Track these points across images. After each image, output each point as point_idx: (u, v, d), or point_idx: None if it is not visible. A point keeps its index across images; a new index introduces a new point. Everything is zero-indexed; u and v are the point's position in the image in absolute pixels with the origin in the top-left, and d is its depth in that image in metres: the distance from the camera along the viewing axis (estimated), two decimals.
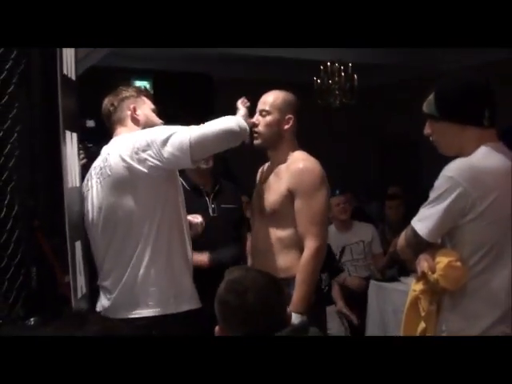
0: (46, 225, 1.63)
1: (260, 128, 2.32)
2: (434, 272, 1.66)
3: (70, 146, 1.72)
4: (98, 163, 2.07)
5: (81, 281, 1.73)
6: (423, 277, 1.70)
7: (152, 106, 2.21)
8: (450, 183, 1.64)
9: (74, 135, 1.77)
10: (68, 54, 1.68)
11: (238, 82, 8.54)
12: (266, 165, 2.48)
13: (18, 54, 1.52)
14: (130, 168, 1.93)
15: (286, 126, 2.32)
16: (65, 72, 1.64)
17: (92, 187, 2.04)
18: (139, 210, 1.96)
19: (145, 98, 2.20)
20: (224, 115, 2.08)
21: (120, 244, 1.97)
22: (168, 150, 1.91)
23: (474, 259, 1.65)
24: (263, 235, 2.34)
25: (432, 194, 1.69)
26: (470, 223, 1.64)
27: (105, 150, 2.08)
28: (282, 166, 2.32)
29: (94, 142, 2.44)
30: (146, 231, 1.95)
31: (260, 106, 2.34)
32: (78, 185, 1.86)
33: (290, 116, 2.33)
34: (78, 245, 1.76)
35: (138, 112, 2.13)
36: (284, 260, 2.28)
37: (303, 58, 7.48)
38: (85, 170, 2.12)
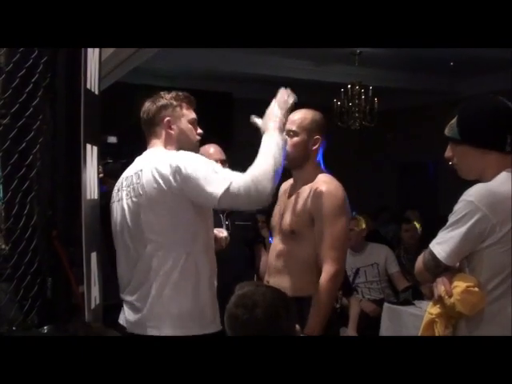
0: (63, 235, 1.65)
1: (287, 148, 2.30)
2: (450, 296, 1.65)
3: (91, 158, 1.75)
4: (129, 173, 2.06)
5: (95, 291, 1.75)
6: (440, 300, 1.69)
7: (191, 116, 2.14)
8: (469, 207, 1.64)
9: (95, 148, 1.80)
10: (92, 69, 1.72)
11: (258, 101, 8.64)
12: (289, 182, 2.47)
13: (44, 68, 1.56)
14: (162, 192, 1.92)
15: (314, 147, 2.32)
16: (88, 86, 1.68)
17: (122, 199, 2.04)
18: (169, 232, 1.96)
19: (185, 107, 2.13)
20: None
21: (149, 261, 1.97)
22: (200, 190, 1.89)
23: (491, 285, 1.64)
24: (280, 253, 2.34)
25: (451, 218, 1.69)
26: (488, 248, 1.64)
27: (138, 163, 2.06)
28: (306, 187, 2.31)
29: (114, 157, 2.46)
30: (175, 252, 1.95)
31: (287, 125, 2.27)
32: (96, 197, 1.88)
33: (317, 137, 2.32)
34: (94, 256, 1.78)
35: (173, 127, 2.09)
36: (298, 280, 2.28)
37: (323, 80, 7.54)
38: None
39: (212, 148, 2.62)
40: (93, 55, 1.72)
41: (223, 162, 2.63)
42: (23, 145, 1.54)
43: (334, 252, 2.22)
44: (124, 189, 2.05)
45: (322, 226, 2.23)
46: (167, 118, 2.09)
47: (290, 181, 2.47)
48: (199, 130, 2.16)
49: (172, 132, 2.09)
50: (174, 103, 2.11)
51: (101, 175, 2.27)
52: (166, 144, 2.09)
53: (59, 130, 1.63)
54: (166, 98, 2.12)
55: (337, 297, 2.31)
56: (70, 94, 1.63)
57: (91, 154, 1.76)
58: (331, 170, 2.40)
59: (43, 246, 1.59)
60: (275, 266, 2.37)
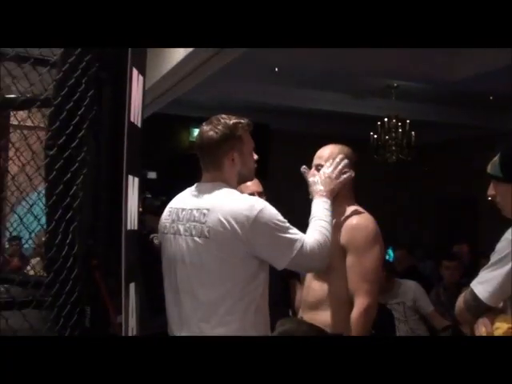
0: (103, 265, 1.67)
1: None
2: None
3: (132, 190, 1.78)
4: (187, 206, 2.02)
5: (132, 322, 1.75)
6: None
7: (251, 144, 2.08)
8: None
9: (136, 180, 1.83)
10: (136, 102, 1.76)
11: (295, 133, 8.70)
12: None
13: (91, 101, 1.61)
14: (232, 240, 1.89)
15: None
16: (132, 119, 1.72)
17: (179, 234, 2.00)
18: (231, 278, 1.92)
19: (246, 134, 2.05)
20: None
21: (208, 306, 1.93)
22: (272, 249, 1.91)
23: None
24: (314, 288, 2.32)
25: (493, 257, 1.66)
26: None
27: (200, 198, 2.00)
28: (337, 221, 2.30)
29: (153, 192, 2.47)
30: (236, 298, 1.92)
31: (316, 160, 2.34)
32: (136, 228, 1.91)
33: (345, 170, 2.33)
34: (132, 286, 1.80)
35: (236, 161, 2.02)
36: (333, 315, 2.24)
37: (360, 114, 7.55)
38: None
39: None
40: (137, 89, 1.77)
41: (260, 194, 2.63)
42: (68, 176, 1.58)
43: (365, 285, 2.19)
44: (182, 222, 2.00)
45: (354, 258, 2.21)
46: (232, 151, 2.01)
47: None
48: (255, 156, 2.12)
49: (235, 165, 2.03)
50: (238, 133, 2.01)
51: (140, 209, 2.28)
52: (228, 177, 2.02)
53: (102, 162, 1.67)
54: (232, 124, 2.01)
55: (370, 332, 2.26)
56: (114, 126, 1.66)
57: (132, 185, 1.79)
58: (367, 203, 2.38)
59: (83, 276, 1.61)
60: (309, 302, 2.35)
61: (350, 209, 2.32)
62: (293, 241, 1.92)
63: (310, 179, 2.24)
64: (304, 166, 2.32)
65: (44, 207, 1.67)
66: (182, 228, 2.00)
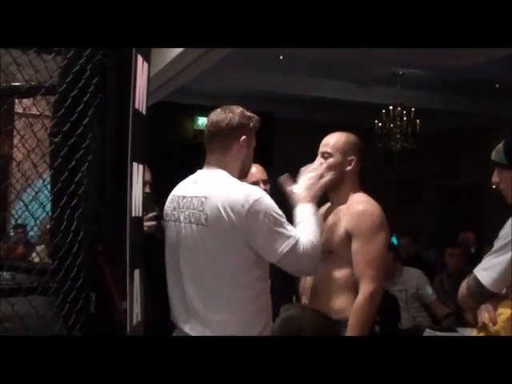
0: (108, 251, 1.67)
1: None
2: (495, 324, 1.62)
3: (136, 176, 1.78)
4: (187, 194, 2.04)
5: (137, 308, 1.77)
6: (484, 328, 1.66)
7: (255, 143, 2.13)
8: None
9: (141, 167, 1.83)
10: (141, 90, 1.76)
11: (298, 122, 8.67)
12: (326, 205, 2.48)
13: (95, 88, 1.61)
14: (229, 228, 1.90)
15: (348, 168, 2.33)
16: (136, 106, 1.72)
17: (180, 221, 2.02)
18: (231, 264, 1.95)
19: (255, 132, 2.12)
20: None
21: (211, 292, 1.95)
22: (267, 242, 1.90)
23: None
24: (318, 274, 2.33)
25: (497, 243, 1.66)
26: None
27: (199, 185, 2.02)
28: (342, 207, 2.32)
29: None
30: (236, 283, 1.94)
31: (322, 148, 2.36)
32: (140, 215, 1.91)
33: (352, 157, 2.34)
34: (137, 273, 1.81)
35: (243, 148, 2.06)
36: (338, 301, 2.26)
37: (365, 102, 7.52)
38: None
39: (254, 168, 2.64)
40: (142, 76, 1.77)
41: (265, 182, 2.64)
42: (73, 163, 1.58)
43: (370, 270, 2.20)
44: (182, 210, 2.02)
45: (359, 244, 2.23)
46: (244, 137, 2.06)
47: (328, 204, 2.47)
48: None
49: (241, 152, 2.06)
50: (251, 125, 2.09)
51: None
52: (231, 163, 2.05)
53: (107, 149, 1.67)
54: (247, 115, 2.08)
55: (375, 320, 2.27)
56: (119, 113, 1.66)
57: (137, 172, 1.79)
58: (372, 191, 2.39)
59: (88, 262, 1.62)
60: (312, 287, 2.37)
61: (355, 196, 2.34)
62: (287, 236, 1.90)
63: (288, 188, 2.19)
64: (283, 176, 2.24)
65: (49, 194, 1.68)
66: (181, 216, 2.02)
